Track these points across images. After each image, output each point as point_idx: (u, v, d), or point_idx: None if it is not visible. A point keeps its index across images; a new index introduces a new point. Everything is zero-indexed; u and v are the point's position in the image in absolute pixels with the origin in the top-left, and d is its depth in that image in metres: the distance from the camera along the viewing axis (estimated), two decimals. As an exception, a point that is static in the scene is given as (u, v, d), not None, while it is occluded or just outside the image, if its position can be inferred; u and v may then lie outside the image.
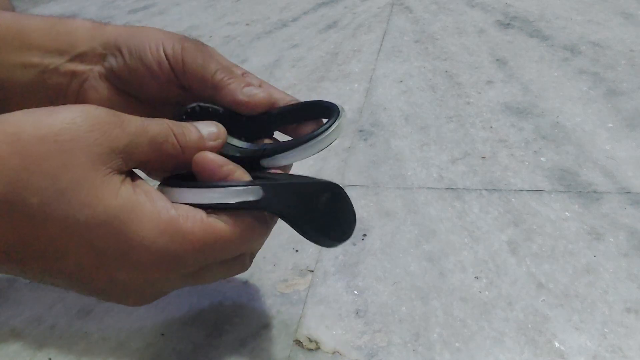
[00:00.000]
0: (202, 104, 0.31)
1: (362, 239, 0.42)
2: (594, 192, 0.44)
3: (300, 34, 0.82)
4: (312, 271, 0.39)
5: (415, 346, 0.33)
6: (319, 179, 0.29)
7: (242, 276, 0.39)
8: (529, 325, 0.34)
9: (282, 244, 0.42)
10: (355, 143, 0.54)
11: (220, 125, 0.29)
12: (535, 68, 0.66)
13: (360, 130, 0.56)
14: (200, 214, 0.25)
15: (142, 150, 0.25)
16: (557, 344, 0.32)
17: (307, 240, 0.28)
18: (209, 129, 0.28)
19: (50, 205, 0.22)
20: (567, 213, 0.42)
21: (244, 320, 0.36)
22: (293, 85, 0.67)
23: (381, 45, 0.76)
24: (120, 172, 0.24)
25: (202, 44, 0.32)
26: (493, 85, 0.63)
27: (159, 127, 0.26)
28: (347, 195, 0.30)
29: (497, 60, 0.69)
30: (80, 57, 0.32)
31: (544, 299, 0.35)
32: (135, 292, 0.27)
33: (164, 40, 0.31)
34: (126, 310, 0.37)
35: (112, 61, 0.31)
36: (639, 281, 0.36)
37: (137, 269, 0.25)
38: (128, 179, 0.25)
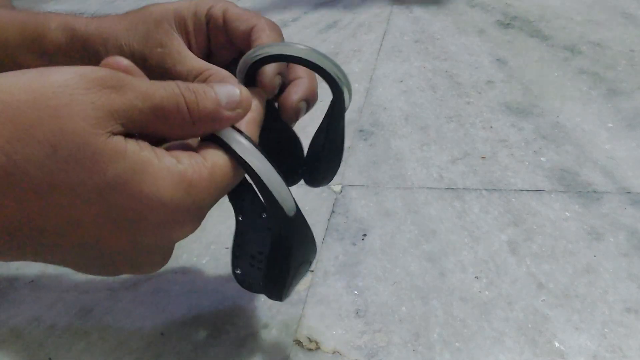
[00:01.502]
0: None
1: (362, 239, 0.42)
2: (594, 192, 0.44)
3: (300, 34, 0.82)
4: (312, 271, 0.39)
5: (415, 346, 0.33)
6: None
7: (242, 276, 0.39)
8: (529, 325, 0.34)
9: (282, 244, 0.42)
10: (355, 143, 0.54)
11: (243, 88, 0.25)
12: (535, 68, 0.66)
13: (360, 130, 0.56)
14: (199, 158, 0.24)
15: (145, 118, 0.23)
16: (557, 344, 0.32)
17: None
18: (230, 94, 0.25)
19: (53, 174, 0.21)
20: (567, 213, 0.42)
21: (244, 320, 0.36)
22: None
23: (381, 45, 0.76)
24: (122, 134, 0.23)
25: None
26: (493, 85, 0.63)
27: (167, 93, 0.23)
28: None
29: (497, 60, 0.69)
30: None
31: (544, 299, 0.35)
32: (160, 253, 0.26)
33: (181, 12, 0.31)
34: (126, 310, 0.37)
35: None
36: (639, 281, 0.36)
37: (159, 229, 0.24)
38: (131, 139, 0.23)
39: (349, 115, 0.59)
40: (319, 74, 0.28)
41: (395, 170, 0.49)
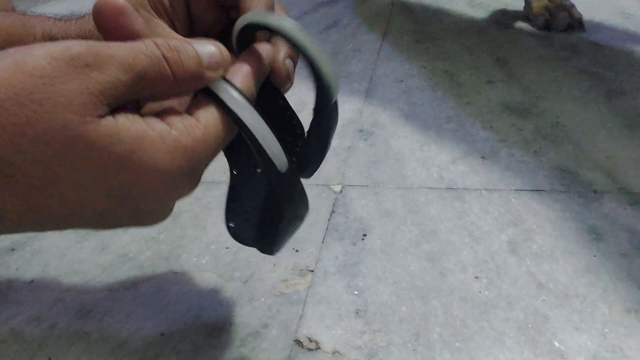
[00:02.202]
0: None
1: (362, 239, 0.42)
2: (594, 192, 0.44)
3: (300, 34, 0.82)
4: (312, 271, 0.39)
5: (415, 346, 0.33)
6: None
7: (242, 276, 0.39)
8: (529, 325, 0.34)
9: (282, 244, 0.42)
10: (355, 143, 0.54)
11: (222, 47, 0.25)
12: (535, 68, 0.66)
13: (360, 130, 0.56)
14: (191, 120, 0.24)
15: (129, 90, 0.22)
16: (557, 344, 0.32)
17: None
18: (211, 52, 0.24)
19: (52, 169, 0.21)
20: (567, 213, 0.42)
21: (244, 320, 0.36)
22: (293, 85, 0.67)
23: (381, 45, 0.76)
24: (110, 112, 0.22)
25: None
26: (493, 85, 0.63)
27: (148, 59, 0.23)
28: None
29: (497, 60, 0.69)
30: None
31: (544, 299, 0.35)
32: (162, 212, 0.26)
33: None
34: (126, 310, 0.37)
35: None
36: (639, 281, 0.36)
37: (160, 196, 0.24)
38: (120, 114, 0.22)
39: (349, 115, 0.59)
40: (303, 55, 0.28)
41: (395, 170, 0.49)
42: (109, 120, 0.22)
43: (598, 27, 0.76)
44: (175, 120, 0.24)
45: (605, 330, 0.33)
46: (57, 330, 0.36)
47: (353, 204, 0.46)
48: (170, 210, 0.27)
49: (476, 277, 0.37)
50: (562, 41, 0.72)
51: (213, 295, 0.38)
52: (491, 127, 0.55)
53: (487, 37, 0.76)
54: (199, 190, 0.52)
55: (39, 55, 0.21)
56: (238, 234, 0.31)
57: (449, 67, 0.68)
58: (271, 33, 0.29)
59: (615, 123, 0.53)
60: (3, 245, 0.44)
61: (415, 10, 0.88)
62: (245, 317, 0.36)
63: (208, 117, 0.24)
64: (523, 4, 0.83)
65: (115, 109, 0.22)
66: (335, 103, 0.31)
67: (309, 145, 0.32)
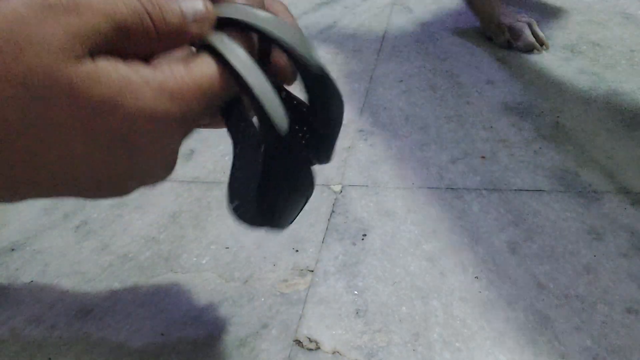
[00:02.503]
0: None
1: (362, 239, 0.42)
2: (594, 192, 0.44)
3: (300, 34, 0.82)
4: (312, 271, 0.39)
5: (415, 346, 0.33)
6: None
7: (242, 276, 0.39)
8: (529, 325, 0.34)
9: (282, 244, 0.42)
10: (355, 143, 0.54)
11: (208, 2, 0.25)
12: (535, 68, 0.66)
13: (360, 130, 0.56)
14: (180, 67, 0.23)
15: (108, 39, 0.22)
16: (557, 344, 0.32)
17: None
18: (195, 8, 0.24)
19: (31, 112, 0.20)
20: (567, 213, 0.42)
21: (244, 320, 0.36)
22: (293, 85, 0.67)
23: (381, 45, 0.76)
24: (90, 56, 0.22)
25: None
26: (493, 85, 0.63)
27: (128, 10, 0.22)
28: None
29: (497, 60, 0.69)
30: None
31: (544, 299, 0.35)
32: (162, 164, 0.25)
33: None
34: (126, 310, 0.37)
35: None
36: (639, 281, 0.36)
37: (151, 142, 0.23)
38: (101, 59, 0.22)
39: (349, 115, 0.59)
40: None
41: (395, 170, 0.49)
42: (88, 64, 0.21)
43: (598, 27, 0.76)
44: (162, 66, 0.23)
45: (605, 330, 0.33)
46: (57, 330, 0.36)
47: (353, 204, 0.46)
48: (174, 161, 0.26)
49: (476, 277, 0.37)
50: (562, 41, 0.72)
51: (213, 295, 0.38)
52: (491, 127, 0.55)
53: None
54: (199, 190, 0.53)
55: (16, 1, 0.21)
56: (241, 214, 0.29)
57: (449, 67, 0.68)
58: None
59: (615, 123, 0.53)
60: (3, 245, 0.44)
61: (415, 10, 0.88)
62: (245, 317, 0.36)
63: (202, 66, 0.24)
64: (523, 4, 0.83)
65: (96, 56, 0.22)
66: (322, 76, 0.29)
67: (313, 126, 0.31)
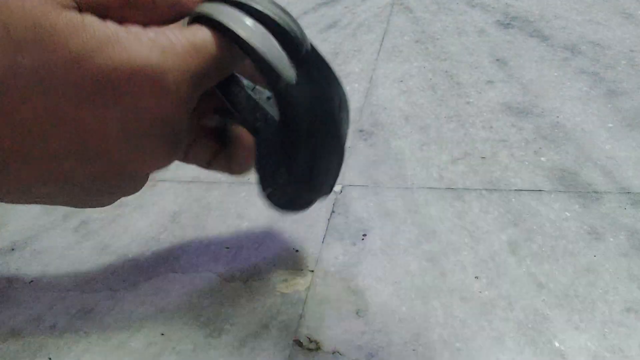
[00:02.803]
0: None
1: (362, 239, 0.42)
2: (594, 192, 0.44)
3: (300, 34, 0.82)
4: (312, 271, 0.39)
5: (415, 346, 0.33)
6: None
7: (242, 276, 0.39)
8: (529, 325, 0.34)
9: (282, 244, 0.42)
10: (355, 143, 0.54)
11: None
12: (535, 68, 0.66)
13: (360, 130, 0.56)
14: (175, 29, 0.23)
15: (100, 1, 0.22)
16: (557, 344, 0.32)
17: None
18: None
19: (9, 57, 0.20)
20: (567, 213, 0.42)
21: (244, 320, 0.36)
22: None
23: (381, 45, 0.76)
24: (77, 9, 0.21)
25: None
26: (493, 85, 0.63)
27: None
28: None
29: (497, 60, 0.69)
30: None
31: (544, 299, 0.35)
32: (168, 123, 0.24)
33: None
34: (126, 310, 0.37)
35: None
36: (639, 281, 0.36)
37: (142, 98, 0.22)
38: (88, 13, 0.21)
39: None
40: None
41: (395, 170, 0.49)
42: (74, 14, 0.21)
43: (598, 27, 0.76)
44: (156, 28, 0.23)
45: (605, 330, 0.33)
46: (57, 330, 0.36)
47: (353, 204, 0.46)
48: (177, 142, 0.24)
49: (476, 277, 0.37)
50: (562, 41, 0.72)
51: (213, 295, 0.38)
52: (491, 127, 0.55)
53: (487, 37, 0.76)
54: (198, 190, 0.53)
55: None
56: (279, 199, 0.28)
57: (449, 67, 0.68)
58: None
59: (615, 123, 0.53)
60: (3, 245, 0.44)
61: (415, 10, 0.88)
62: (245, 317, 0.36)
63: (194, 29, 0.23)
64: (523, 4, 0.83)
65: (84, 12, 0.21)
66: (313, 53, 0.27)
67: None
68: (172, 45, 0.22)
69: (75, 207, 0.28)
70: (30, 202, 0.25)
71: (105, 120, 0.22)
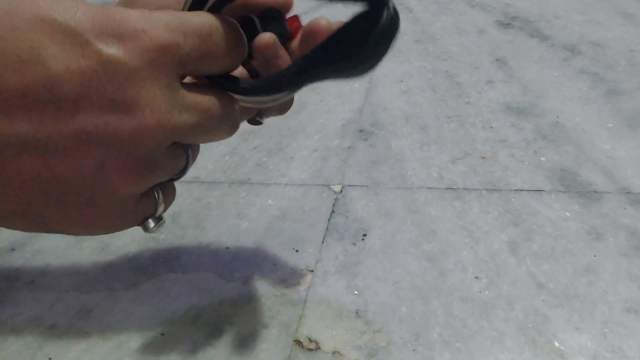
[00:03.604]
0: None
1: (362, 239, 0.42)
2: (594, 192, 0.44)
3: (300, 34, 0.82)
4: (312, 271, 0.39)
5: (415, 346, 0.33)
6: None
7: (242, 276, 0.39)
8: (529, 325, 0.34)
9: (282, 244, 0.42)
10: (355, 143, 0.54)
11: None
12: (535, 68, 0.66)
13: (360, 130, 0.56)
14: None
15: None
16: (557, 344, 0.32)
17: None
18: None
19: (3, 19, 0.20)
20: (567, 213, 0.42)
21: (244, 320, 0.36)
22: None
23: (381, 45, 0.76)
24: None
25: None
26: (493, 85, 0.63)
27: None
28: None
29: (497, 60, 0.69)
30: None
31: (544, 299, 0.35)
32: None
33: None
34: (126, 310, 0.37)
35: None
36: (639, 281, 0.36)
37: (154, 70, 0.22)
38: None
39: (349, 115, 0.59)
40: None
41: (395, 170, 0.49)
42: None
43: (598, 27, 0.76)
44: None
45: (605, 330, 0.33)
46: (57, 330, 0.36)
47: (353, 204, 0.46)
48: (168, 110, 0.23)
49: (476, 277, 0.37)
50: (562, 41, 0.72)
51: (213, 295, 0.38)
52: (491, 127, 0.55)
53: (487, 37, 0.76)
54: (198, 190, 0.52)
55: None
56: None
57: (449, 67, 0.68)
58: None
59: (615, 123, 0.53)
60: (3, 245, 0.44)
61: (415, 11, 0.88)
62: (245, 317, 0.36)
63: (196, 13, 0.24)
64: (523, 4, 0.83)
65: None
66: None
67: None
68: (179, 24, 0.23)
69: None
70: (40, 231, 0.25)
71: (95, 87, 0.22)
